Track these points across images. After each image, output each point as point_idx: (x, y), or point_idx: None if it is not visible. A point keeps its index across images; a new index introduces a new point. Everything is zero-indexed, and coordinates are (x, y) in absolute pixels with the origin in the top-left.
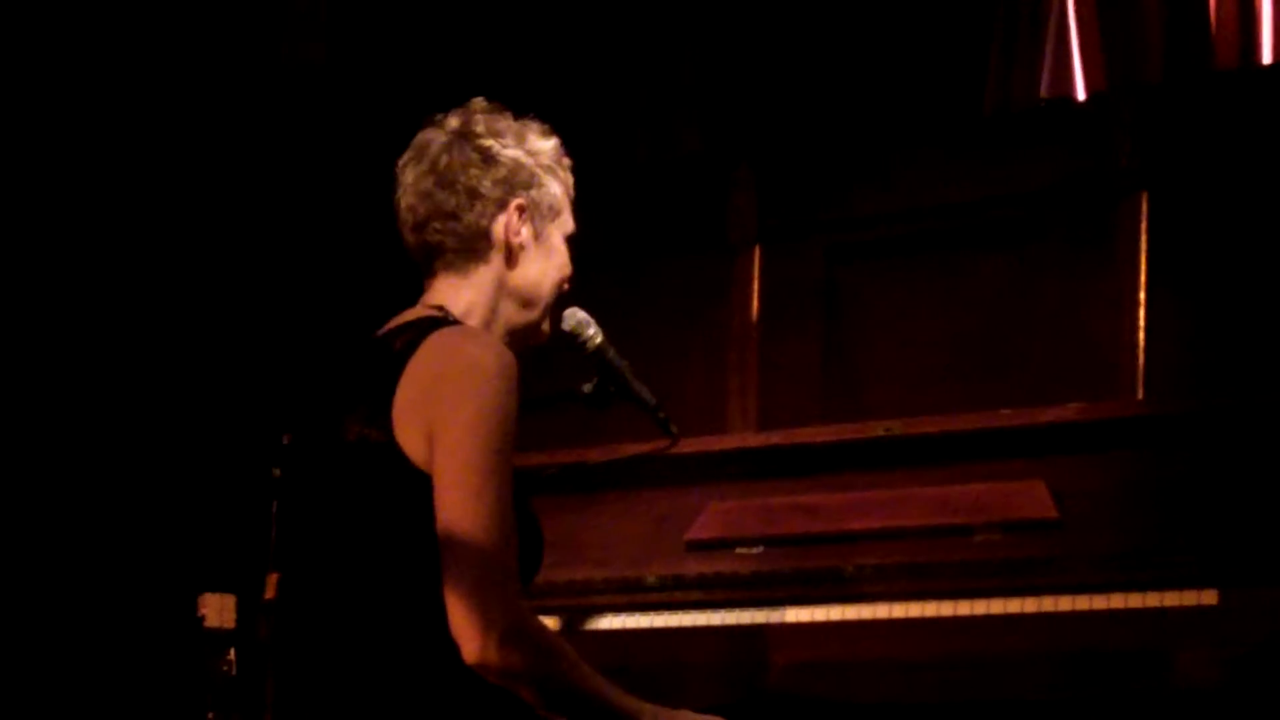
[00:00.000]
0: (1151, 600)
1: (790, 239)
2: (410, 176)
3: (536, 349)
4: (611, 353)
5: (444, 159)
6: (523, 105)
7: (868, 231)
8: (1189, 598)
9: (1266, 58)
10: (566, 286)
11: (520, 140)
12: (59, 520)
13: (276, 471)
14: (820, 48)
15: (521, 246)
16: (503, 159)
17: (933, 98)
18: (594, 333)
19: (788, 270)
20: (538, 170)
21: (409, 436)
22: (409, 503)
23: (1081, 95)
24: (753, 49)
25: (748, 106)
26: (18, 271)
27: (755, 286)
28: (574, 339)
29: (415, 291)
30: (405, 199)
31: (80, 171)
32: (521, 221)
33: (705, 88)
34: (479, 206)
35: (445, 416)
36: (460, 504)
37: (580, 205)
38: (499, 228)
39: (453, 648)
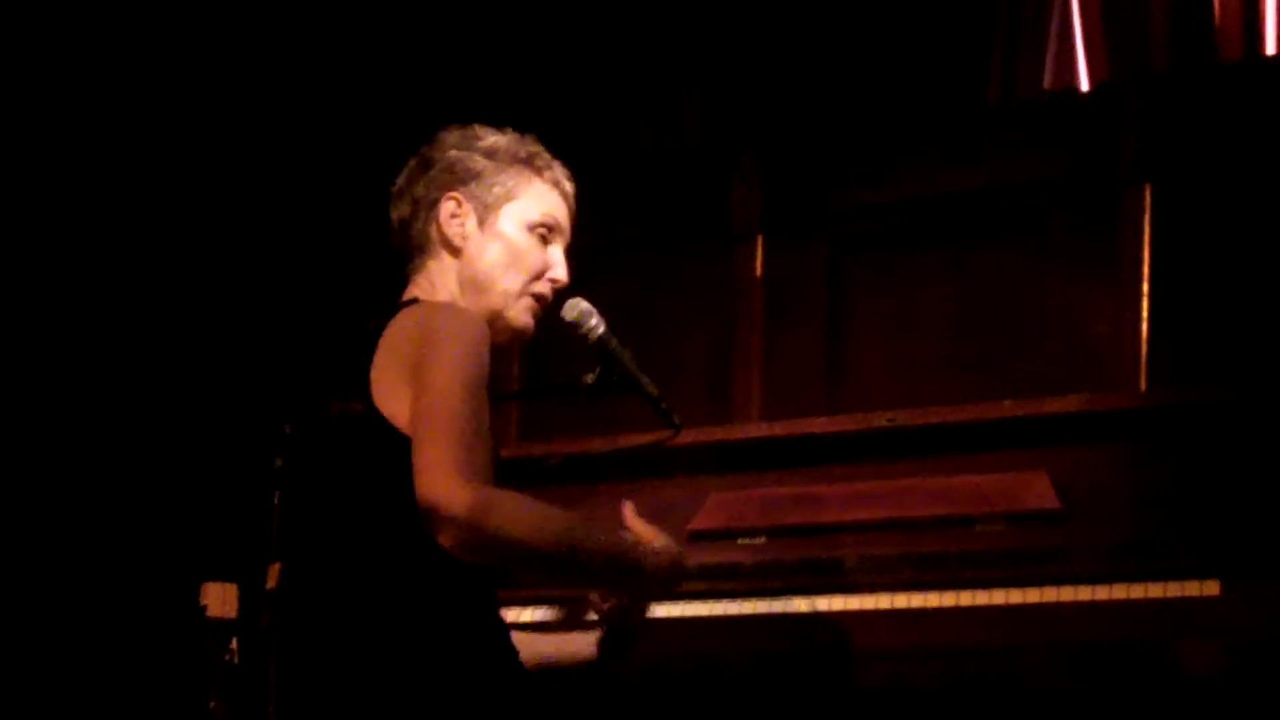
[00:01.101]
0: (1154, 591)
1: (793, 230)
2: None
3: (539, 338)
4: (614, 343)
5: (400, 180)
6: (527, 98)
7: (871, 223)
8: (1191, 588)
9: (1270, 49)
10: (560, 278)
11: (465, 141)
12: (61, 512)
13: (278, 461)
14: (824, 39)
15: (464, 237)
16: (438, 161)
17: (936, 89)
18: (596, 323)
19: (791, 261)
20: (480, 164)
21: (389, 403)
22: (393, 468)
23: (1085, 87)
24: (756, 40)
25: (751, 98)
26: (21, 266)
27: (758, 277)
28: (576, 329)
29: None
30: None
31: (84, 170)
32: (457, 214)
33: (708, 79)
34: (421, 211)
35: (422, 367)
36: (431, 400)
37: (583, 197)
38: (434, 225)
39: (447, 618)
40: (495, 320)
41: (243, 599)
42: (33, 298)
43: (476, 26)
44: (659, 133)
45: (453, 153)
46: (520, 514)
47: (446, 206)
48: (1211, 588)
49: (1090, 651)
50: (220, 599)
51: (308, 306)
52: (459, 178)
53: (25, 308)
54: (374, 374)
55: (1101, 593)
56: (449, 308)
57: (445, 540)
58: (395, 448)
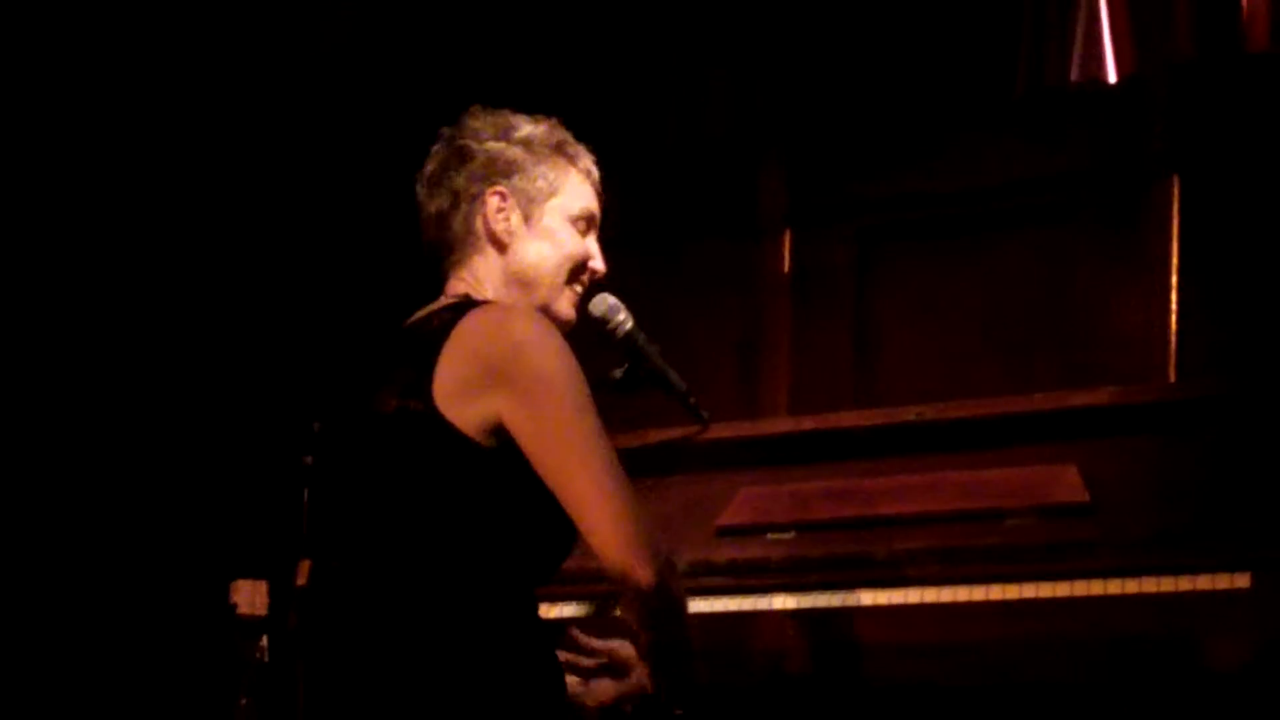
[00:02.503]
0: (1184, 584)
1: (820, 222)
2: (417, 192)
3: (567, 334)
4: (641, 338)
5: (431, 166)
6: (554, 89)
7: (898, 214)
8: (1221, 581)
9: None
10: (599, 269)
11: (501, 132)
12: (92, 509)
13: (308, 459)
14: (850, 31)
15: (509, 233)
16: (477, 153)
17: (963, 81)
18: (624, 318)
19: (818, 254)
20: (521, 157)
21: (455, 407)
22: (450, 469)
23: (1113, 79)
24: (784, 31)
25: (778, 89)
26: (58, 262)
27: (785, 270)
28: (604, 324)
29: (437, 280)
30: (419, 213)
31: (114, 168)
32: (503, 209)
33: (735, 71)
34: (462, 205)
35: (519, 402)
36: (576, 481)
37: (609, 189)
38: (480, 220)
39: (486, 618)
40: (550, 319)
41: (272, 596)
42: (67, 295)
43: (503, 14)
44: (685, 126)
45: (491, 144)
46: (680, 586)
47: (492, 201)
48: (1242, 580)
49: (1120, 645)
50: (250, 596)
51: (337, 303)
52: (501, 171)
53: (58, 305)
54: (439, 375)
55: (1131, 586)
56: (520, 316)
57: (629, 610)
58: (455, 450)
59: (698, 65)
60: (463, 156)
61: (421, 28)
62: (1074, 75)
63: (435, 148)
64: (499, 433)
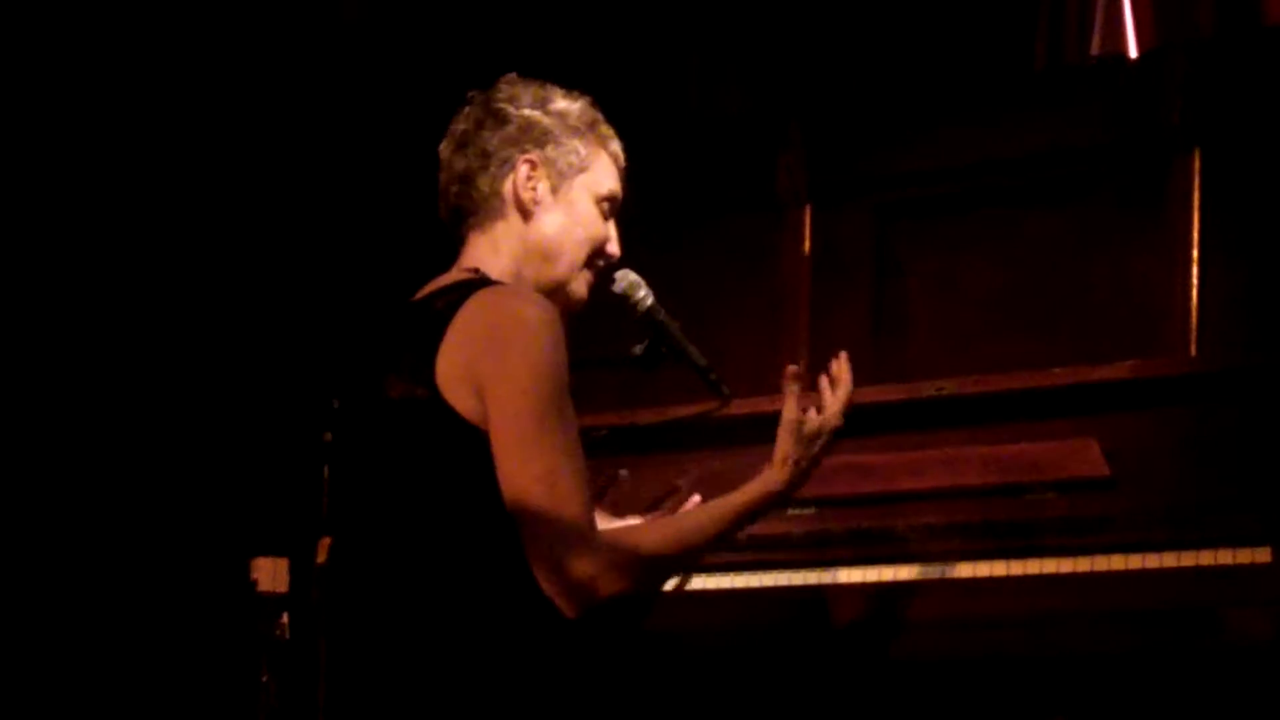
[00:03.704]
0: (1205, 558)
1: (840, 198)
2: (444, 154)
3: (589, 310)
4: (663, 314)
5: (462, 125)
6: (572, 65)
7: (918, 190)
8: (1242, 555)
9: None
10: (615, 253)
11: (539, 102)
12: (113, 488)
13: (327, 436)
14: (869, 5)
15: (535, 201)
16: (513, 117)
17: (983, 56)
18: (645, 294)
19: (837, 229)
20: (556, 129)
21: (456, 391)
22: (455, 455)
23: (1133, 52)
24: (801, 8)
25: (796, 65)
26: (72, 245)
27: (805, 246)
28: (625, 300)
29: (452, 257)
30: (441, 175)
31: (134, 141)
32: (532, 177)
33: (753, 46)
34: (491, 166)
35: (494, 375)
36: (522, 466)
37: (628, 166)
38: (508, 185)
39: (500, 603)
40: (556, 291)
41: (293, 573)
42: (84, 276)
43: None
44: (705, 102)
45: (527, 111)
46: (642, 554)
47: (523, 168)
48: (1263, 555)
49: (1141, 619)
50: (270, 574)
51: (356, 279)
52: (535, 139)
53: (76, 285)
54: (442, 361)
55: (1152, 560)
56: (522, 299)
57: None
58: (459, 436)
59: (717, 42)
60: (498, 119)
61: (437, 2)
62: (1094, 49)
63: (466, 109)
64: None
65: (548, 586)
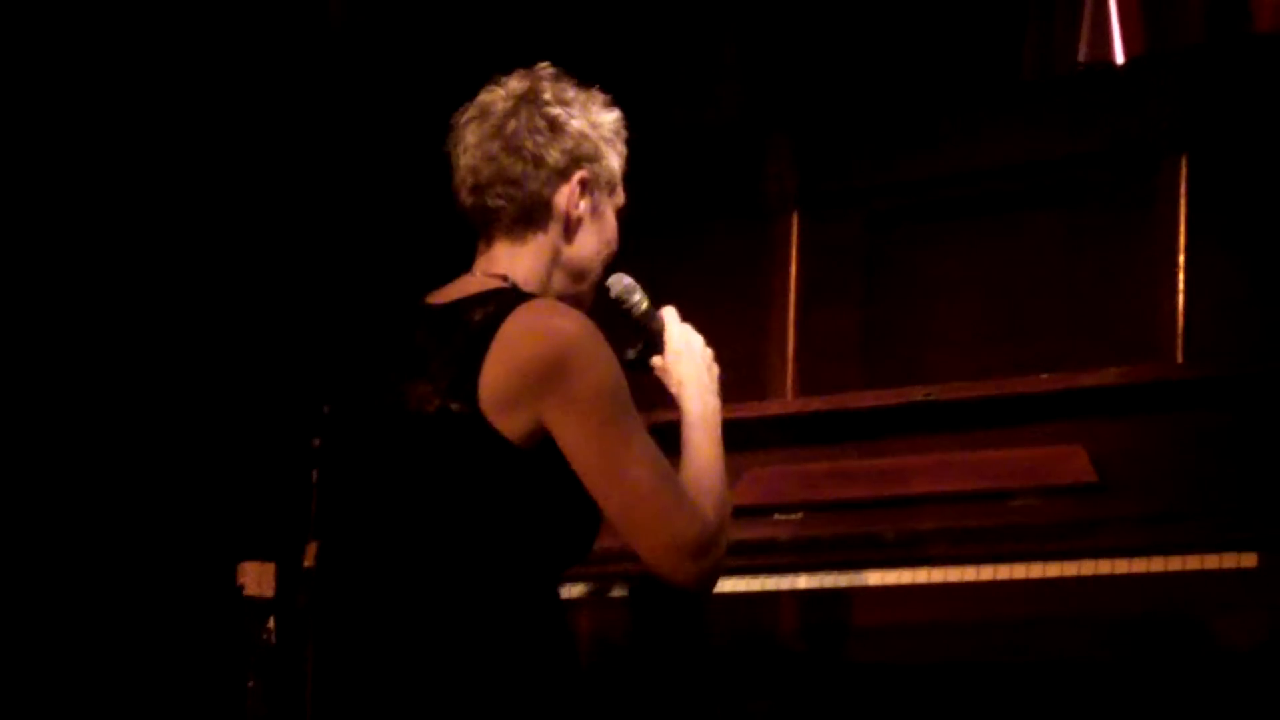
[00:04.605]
0: (1191, 563)
1: (828, 204)
2: (473, 137)
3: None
4: (656, 318)
5: (511, 123)
6: (560, 70)
7: (907, 197)
8: (1229, 561)
9: None
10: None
11: (585, 111)
12: (98, 491)
13: (316, 441)
14: (858, 12)
15: (580, 220)
16: (569, 129)
17: (970, 63)
18: (640, 298)
19: (826, 236)
20: (601, 144)
21: (500, 412)
22: (489, 469)
23: (1120, 59)
24: (790, 13)
25: (785, 71)
26: (63, 250)
27: (794, 252)
28: (620, 304)
29: (457, 258)
30: (466, 159)
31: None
32: (583, 195)
33: (742, 53)
34: (543, 175)
35: (560, 405)
36: (617, 492)
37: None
38: (560, 199)
39: (495, 616)
40: (574, 301)
41: (280, 578)
42: (73, 278)
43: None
44: (692, 108)
45: (578, 123)
46: (724, 508)
47: (577, 186)
48: (1249, 560)
49: (1127, 625)
50: (258, 578)
51: (345, 286)
52: (588, 155)
53: (65, 288)
54: (485, 378)
55: (1139, 565)
56: (566, 317)
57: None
58: (496, 454)
59: (705, 47)
60: (554, 127)
61: (428, 4)
62: (1082, 57)
63: (508, 105)
64: (541, 436)
65: (683, 582)
